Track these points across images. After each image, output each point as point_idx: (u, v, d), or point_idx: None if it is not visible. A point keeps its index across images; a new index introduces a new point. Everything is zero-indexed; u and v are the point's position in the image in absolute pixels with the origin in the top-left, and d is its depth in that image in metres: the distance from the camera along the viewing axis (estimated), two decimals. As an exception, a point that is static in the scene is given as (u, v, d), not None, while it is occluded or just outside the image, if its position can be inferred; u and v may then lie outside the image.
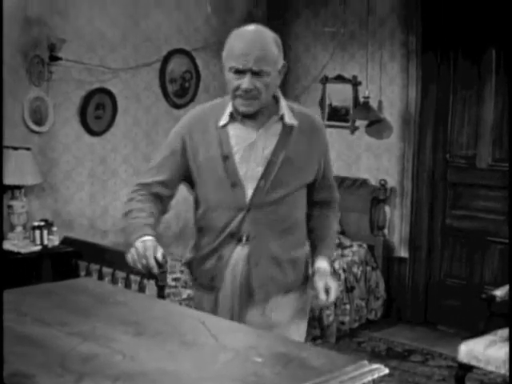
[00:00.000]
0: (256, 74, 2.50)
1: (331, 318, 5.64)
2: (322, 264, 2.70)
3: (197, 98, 6.27)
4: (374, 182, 6.28)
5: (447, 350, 5.37)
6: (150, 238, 2.41)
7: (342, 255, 5.97)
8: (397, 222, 6.26)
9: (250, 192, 2.60)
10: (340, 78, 6.48)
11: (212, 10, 6.31)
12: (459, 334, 5.35)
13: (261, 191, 2.60)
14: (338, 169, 6.42)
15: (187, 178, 2.70)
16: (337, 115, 6.52)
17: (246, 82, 2.50)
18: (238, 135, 2.63)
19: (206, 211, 2.68)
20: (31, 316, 1.47)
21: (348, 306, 5.82)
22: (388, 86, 6.19)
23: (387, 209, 6.25)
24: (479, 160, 5.87)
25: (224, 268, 2.62)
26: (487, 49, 5.73)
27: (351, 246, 6.11)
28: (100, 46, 5.63)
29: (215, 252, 2.65)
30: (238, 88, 2.52)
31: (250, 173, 2.60)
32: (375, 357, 5.36)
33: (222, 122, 2.63)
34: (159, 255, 2.30)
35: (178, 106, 6.13)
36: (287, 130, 2.65)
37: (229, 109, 2.63)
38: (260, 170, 2.60)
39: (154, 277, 4.39)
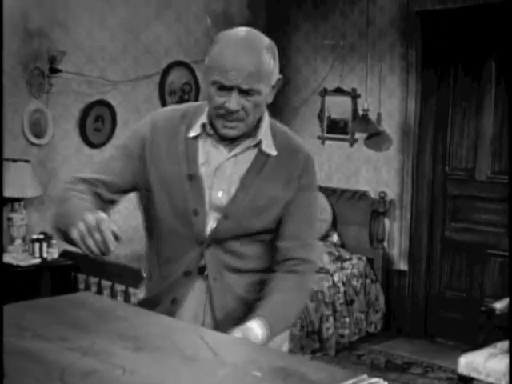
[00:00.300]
0: (245, 92, 2.04)
1: (331, 331, 5.63)
2: (253, 326, 1.97)
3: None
4: (373, 194, 6.28)
5: (447, 363, 5.37)
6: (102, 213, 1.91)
7: (342, 268, 5.97)
8: (396, 234, 6.26)
9: (211, 223, 2.13)
10: (339, 91, 6.50)
11: (211, 22, 6.33)
12: (459, 347, 5.34)
13: (224, 224, 2.13)
14: (337, 181, 6.45)
15: (138, 188, 2.22)
16: (336, 128, 6.54)
17: (232, 101, 2.04)
18: (208, 152, 2.17)
19: (159, 240, 2.21)
20: (31, 331, 1.47)
21: (347, 319, 5.81)
22: (387, 98, 6.20)
23: (387, 221, 6.25)
24: (479, 172, 5.88)
25: (177, 311, 2.14)
26: (487, 61, 5.75)
27: (350, 258, 6.11)
28: (100, 59, 5.65)
29: (168, 293, 2.16)
30: (221, 107, 2.06)
31: (214, 201, 2.15)
32: (375, 369, 5.36)
33: (192, 133, 2.17)
34: (115, 228, 1.83)
35: (177, 119, 6.14)
36: (262, 158, 2.17)
37: (203, 118, 2.17)
38: (225, 198, 2.14)
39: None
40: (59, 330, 1.45)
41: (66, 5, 5.38)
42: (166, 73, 6.10)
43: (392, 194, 6.25)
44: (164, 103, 6.10)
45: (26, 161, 5.04)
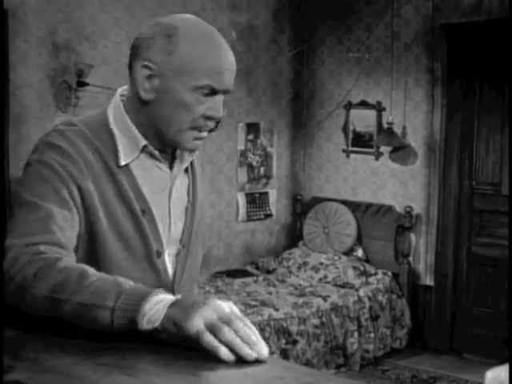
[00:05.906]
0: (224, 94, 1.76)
1: (355, 346, 5.59)
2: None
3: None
4: (399, 208, 6.24)
5: (473, 377, 5.31)
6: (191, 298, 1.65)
7: (367, 283, 5.93)
8: (422, 249, 6.21)
9: (170, 265, 1.82)
10: (364, 104, 6.48)
11: (237, 36, 6.35)
12: (485, 363, 5.29)
13: (182, 263, 1.84)
14: (362, 195, 6.42)
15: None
16: (361, 141, 6.52)
17: (219, 107, 1.74)
18: (151, 175, 1.80)
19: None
20: (58, 345, 1.46)
21: (372, 335, 5.77)
22: (412, 111, 6.18)
23: (412, 236, 6.21)
24: (505, 187, 5.83)
25: None
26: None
27: (376, 273, 6.07)
28: (127, 72, 5.67)
29: None
30: (202, 116, 1.73)
31: (173, 235, 1.83)
32: (400, 385, 5.31)
33: (126, 160, 1.77)
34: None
35: (202, 132, 6.16)
36: (190, 165, 1.92)
37: (138, 139, 1.78)
38: (180, 229, 1.85)
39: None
40: (86, 344, 1.45)
41: (93, 19, 5.42)
42: (191, 86, 6.12)
43: (418, 208, 6.21)
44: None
45: (53, 174, 5.06)
